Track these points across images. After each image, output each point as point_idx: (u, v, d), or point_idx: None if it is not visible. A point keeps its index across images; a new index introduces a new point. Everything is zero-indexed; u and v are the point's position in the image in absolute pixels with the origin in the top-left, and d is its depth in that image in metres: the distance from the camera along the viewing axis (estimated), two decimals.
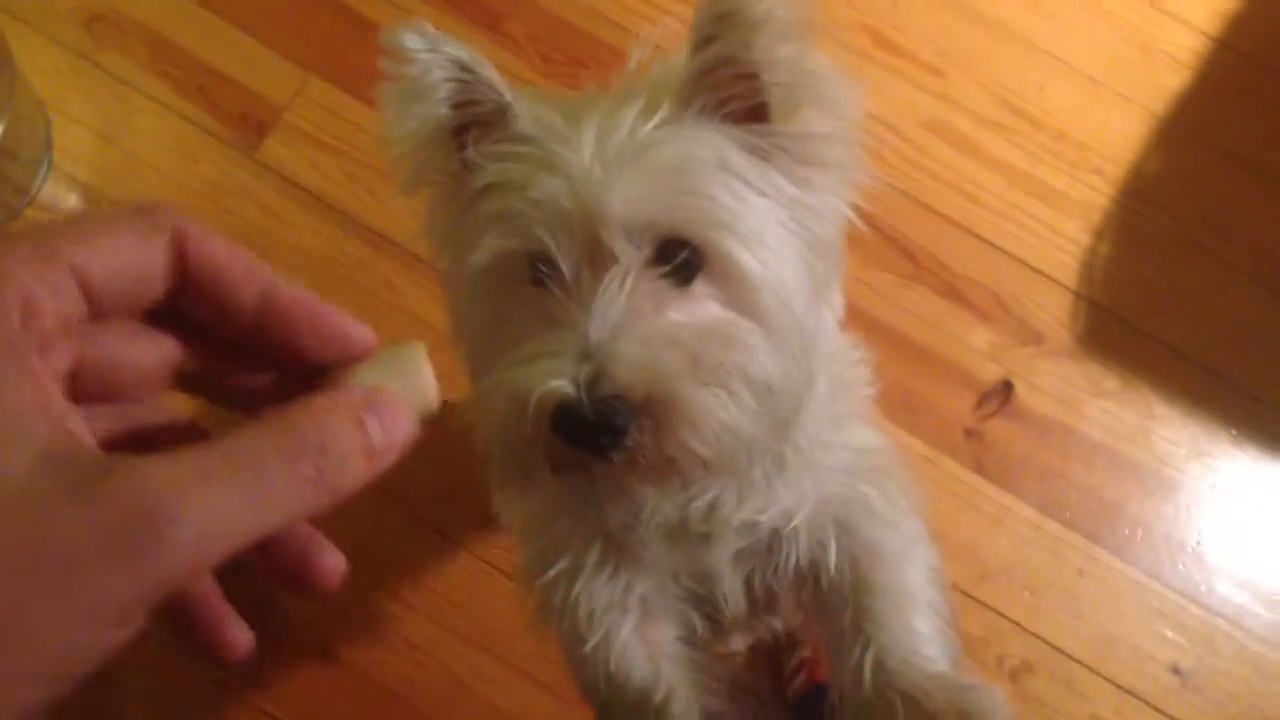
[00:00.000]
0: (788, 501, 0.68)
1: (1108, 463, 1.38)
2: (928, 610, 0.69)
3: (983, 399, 1.39)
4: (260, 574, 0.35)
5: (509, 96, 0.59)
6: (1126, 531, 1.37)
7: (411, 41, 0.57)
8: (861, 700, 0.65)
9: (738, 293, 0.56)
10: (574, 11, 1.47)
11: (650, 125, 0.56)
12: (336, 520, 0.35)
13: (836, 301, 0.66)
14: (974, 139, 1.46)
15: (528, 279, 0.57)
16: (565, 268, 0.55)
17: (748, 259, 0.56)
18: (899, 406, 1.37)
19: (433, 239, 0.64)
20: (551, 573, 0.71)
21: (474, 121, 0.60)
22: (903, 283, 1.41)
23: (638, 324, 0.53)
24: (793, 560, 0.70)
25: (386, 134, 0.60)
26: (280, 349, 0.36)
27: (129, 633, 0.29)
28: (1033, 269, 1.43)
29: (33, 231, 0.32)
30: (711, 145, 0.56)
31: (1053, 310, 1.42)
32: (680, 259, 0.55)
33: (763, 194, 0.57)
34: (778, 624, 0.95)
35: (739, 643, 1.06)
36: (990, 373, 1.40)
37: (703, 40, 0.56)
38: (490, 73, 0.58)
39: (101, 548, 0.27)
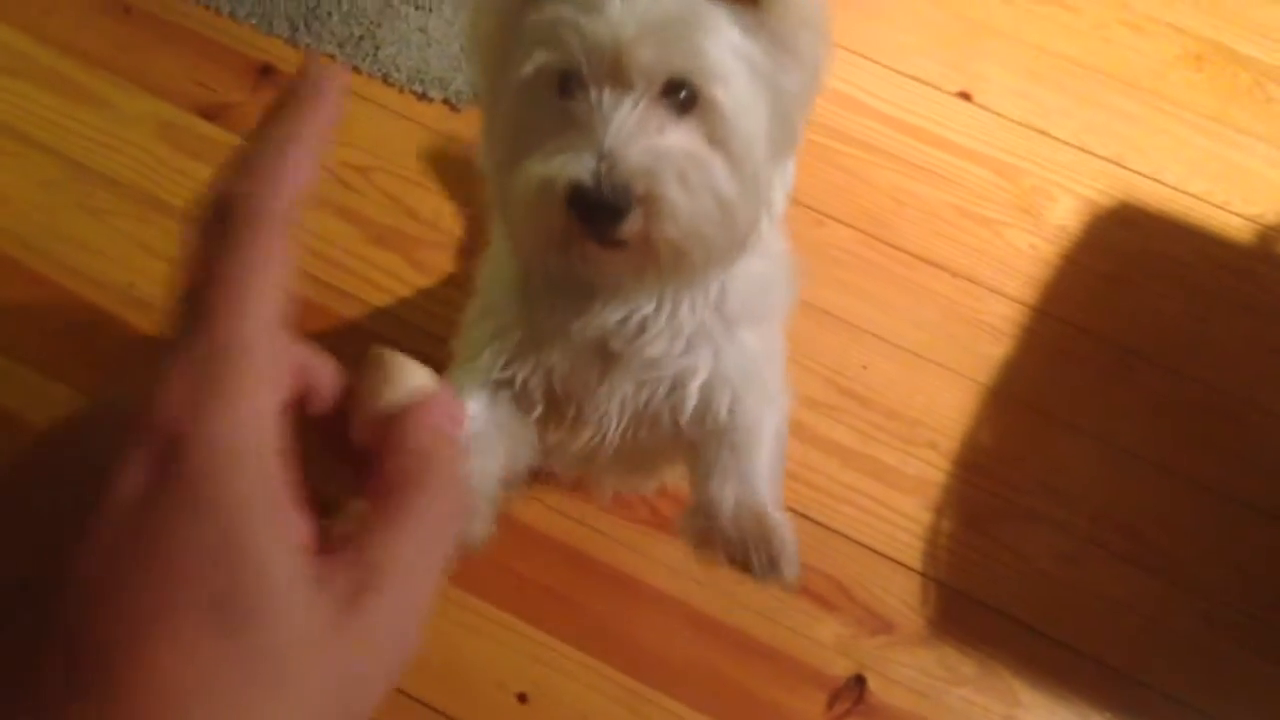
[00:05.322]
0: (690, 362, 0.85)
1: None
2: (772, 465, 0.87)
3: (834, 697, 1.29)
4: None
5: None
6: None
7: None
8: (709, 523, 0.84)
9: (718, 130, 0.72)
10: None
11: None
12: None
13: (789, 174, 0.83)
14: (803, 421, 1.44)
15: (557, 93, 0.72)
16: (592, 87, 0.70)
17: (730, 106, 0.72)
18: (744, 716, 1.27)
19: (482, 59, 0.79)
20: (476, 316, 0.90)
21: None
22: (738, 576, 1.34)
23: (644, 138, 0.69)
24: (687, 407, 0.86)
25: None
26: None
27: None
28: (875, 552, 1.37)
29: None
30: (716, 15, 0.72)
31: (900, 595, 1.35)
32: (681, 96, 0.71)
33: (747, 62, 0.73)
34: (649, 486, 1.28)
35: (608, 489, 1.29)
36: (840, 667, 1.31)
37: None
38: None
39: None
